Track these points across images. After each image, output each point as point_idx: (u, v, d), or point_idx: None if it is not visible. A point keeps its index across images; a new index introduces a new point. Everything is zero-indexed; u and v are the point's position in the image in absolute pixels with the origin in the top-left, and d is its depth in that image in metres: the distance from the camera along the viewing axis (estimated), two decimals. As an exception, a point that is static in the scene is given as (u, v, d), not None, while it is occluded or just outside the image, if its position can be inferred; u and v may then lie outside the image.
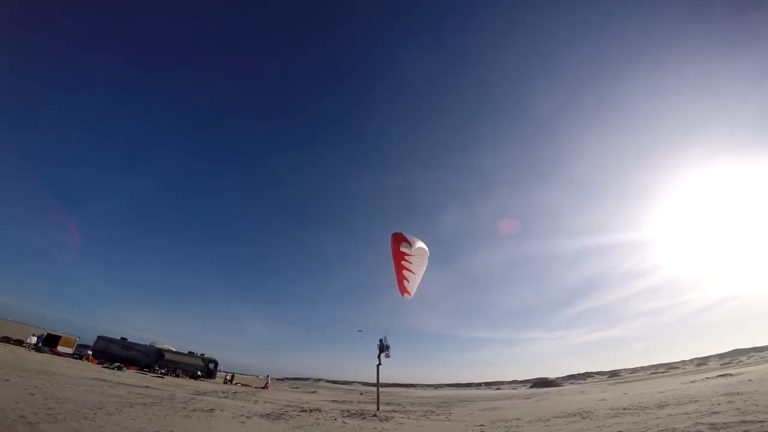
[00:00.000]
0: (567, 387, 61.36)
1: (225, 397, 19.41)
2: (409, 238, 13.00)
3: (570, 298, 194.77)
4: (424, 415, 18.46)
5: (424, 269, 14.61)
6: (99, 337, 40.33)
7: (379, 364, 16.01)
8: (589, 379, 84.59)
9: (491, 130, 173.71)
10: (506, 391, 74.32)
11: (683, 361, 78.90)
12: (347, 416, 15.63)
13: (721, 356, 73.69)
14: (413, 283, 14.43)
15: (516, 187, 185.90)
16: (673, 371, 61.97)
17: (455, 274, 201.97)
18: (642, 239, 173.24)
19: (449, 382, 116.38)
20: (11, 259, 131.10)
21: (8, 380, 10.36)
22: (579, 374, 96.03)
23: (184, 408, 11.71)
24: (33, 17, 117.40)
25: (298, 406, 18.44)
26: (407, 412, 19.91)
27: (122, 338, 40.76)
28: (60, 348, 34.04)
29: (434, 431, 12.78)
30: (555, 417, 14.36)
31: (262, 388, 37.55)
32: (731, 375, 24.12)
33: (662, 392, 19.31)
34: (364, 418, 15.30)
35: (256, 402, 19.21)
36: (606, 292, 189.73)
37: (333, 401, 27.77)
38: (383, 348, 15.66)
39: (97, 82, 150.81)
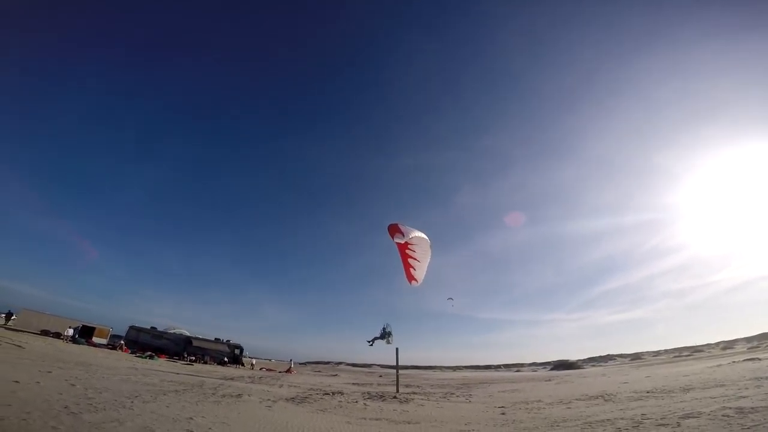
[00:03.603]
0: (588, 369, 61.05)
1: (251, 382, 20.13)
2: (402, 228, 13.19)
3: (591, 278, 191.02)
4: (444, 397, 18.74)
5: (429, 257, 14.95)
6: (130, 327, 42.08)
7: (371, 344, 16.35)
8: (611, 362, 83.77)
9: (505, 110, 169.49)
10: (526, 373, 74.60)
11: (709, 345, 76.78)
12: (368, 398, 16.04)
13: (748, 339, 71.14)
14: (420, 270, 14.78)
15: (532, 167, 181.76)
16: (698, 354, 60.75)
17: (472, 255, 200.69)
18: (667, 217, 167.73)
19: (468, 364, 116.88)
20: (38, 252, 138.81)
21: (50, 372, 11.01)
22: (600, 357, 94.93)
23: (213, 394, 12.23)
24: (40, 10, 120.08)
25: (321, 390, 19.01)
26: (427, 394, 20.25)
27: (152, 327, 42.37)
28: (95, 339, 35.62)
29: (454, 413, 12.89)
30: (576, 399, 14.38)
31: (286, 372, 38.73)
32: (759, 359, 23.48)
33: (687, 376, 19.00)
34: (384, 400, 15.67)
35: (281, 386, 19.86)
36: (629, 272, 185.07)
37: (354, 384, 28.48)
38: (385, 335, 15.94)
39: (106, 74, 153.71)
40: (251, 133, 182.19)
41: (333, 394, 16.81)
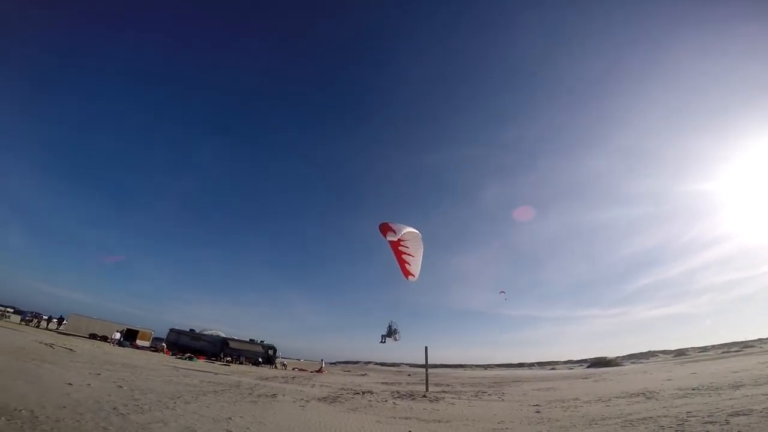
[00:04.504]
0: (628, 366, 58.39)
1: (285, 383, 20.67)
2: (393, 226, 13.27)
3: (629, 271, 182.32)
4: (476, 396, 18.52)
5: (422, 251, 15.11)
6: (171, 330, 44.07)
7: (383, 342, 16.44)
8: (653, 359, 79.70)
9: (526, 102, 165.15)
10: (562, 371, 72.32)
11: (760, 339, 71.36)
12: (397, 397, 16.10)
13: (806, 333, 65.71)
14: (415, 265, 14.94)
15: (559, 158, 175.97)
16: (749, 350, 56.54)
17: (499, 250, 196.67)
18: (709, 204, 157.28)
19: (500, 363, 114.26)
20: (84, 259, 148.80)
21: (99, 374, 11.73)
22: (641, 353, 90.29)
23: (250, 394, 12.67)
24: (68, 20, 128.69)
25: (351, 389, 19.27)
26: (457, 393, 20.08)
27: (191, 330, 44.01)
28: (138, 342, 37.59)
29: (487, 411, 12.68)
30: (616, 397, 13.86)
31: (317, 372, 39.46)
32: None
33: (736, 372, 17.90)
34: (414, 399, 15.69)
35: (313, 386, 20.28)
36: (669, 264, 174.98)
37: (383, 383, 28.65)
38: (391, 332, 15.99)
39: (138, 84, 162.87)
40: (277, 139, 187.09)
41: (363, 393, 16.99)
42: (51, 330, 35.37)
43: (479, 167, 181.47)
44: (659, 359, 76.03)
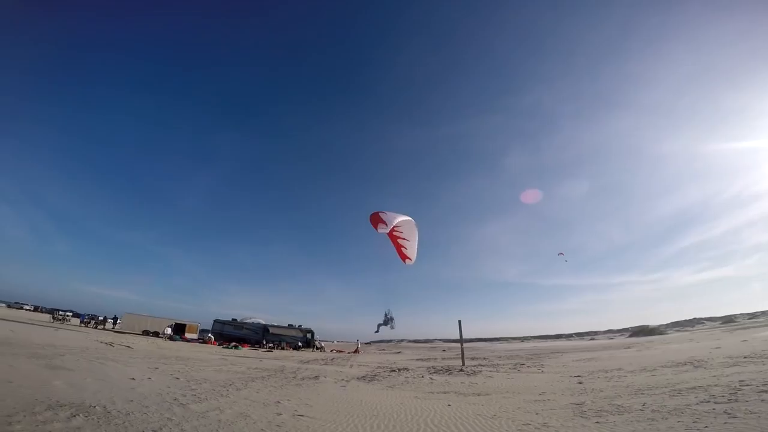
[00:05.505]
0: (672, 335, 56.39)
1: (325, 364, 21.53)
2: (384, 217, 13.16)
3: (666, 233, 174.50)
4: (514, 368, 18.51)
5: (417, 235, 15.27)
6: (215, 321, 46.37)
7: (377, 331, 16.68)
8: (698, 326, 76.33)
9: (542, 66, 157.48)
10: (602, 341, 70.85)
11: (815, 304, 66.47)
12: (434, 373, 16.41)
13: None
14: (411, 249, 15.10)
15: (582, 120, 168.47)
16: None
17: (527, 218, 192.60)
18: (752, 156, 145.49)
19: (537, 334, 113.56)
20: (126, 260, 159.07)
21: (157, 368, 12.59)
22: (686, 321, 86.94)
23: (294, 377, 13.33)
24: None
25: (387, 367, 19.78)
26: (495, 366, 20.16)
27: (233, 319, 46.20)
28: (187, 335, 39.85)
29: (526, 383, 12.68)
30: (662, 366, 13.48)
31: (354, 352, 40.74)
32: None
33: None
34: (450, 374, 15.93)
35: (351, 366, 21.01)
36: (710, 223, 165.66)
37: (418, 360, 29.16)
38: (387, 320, 16.10)
39: (155, 83, 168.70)
40: (295, 125, 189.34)
41: (399, 370, 17.41)
42: (108, 330, 38.07)
43: (499, 135, 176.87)
44: (705, 326, 72.77)
